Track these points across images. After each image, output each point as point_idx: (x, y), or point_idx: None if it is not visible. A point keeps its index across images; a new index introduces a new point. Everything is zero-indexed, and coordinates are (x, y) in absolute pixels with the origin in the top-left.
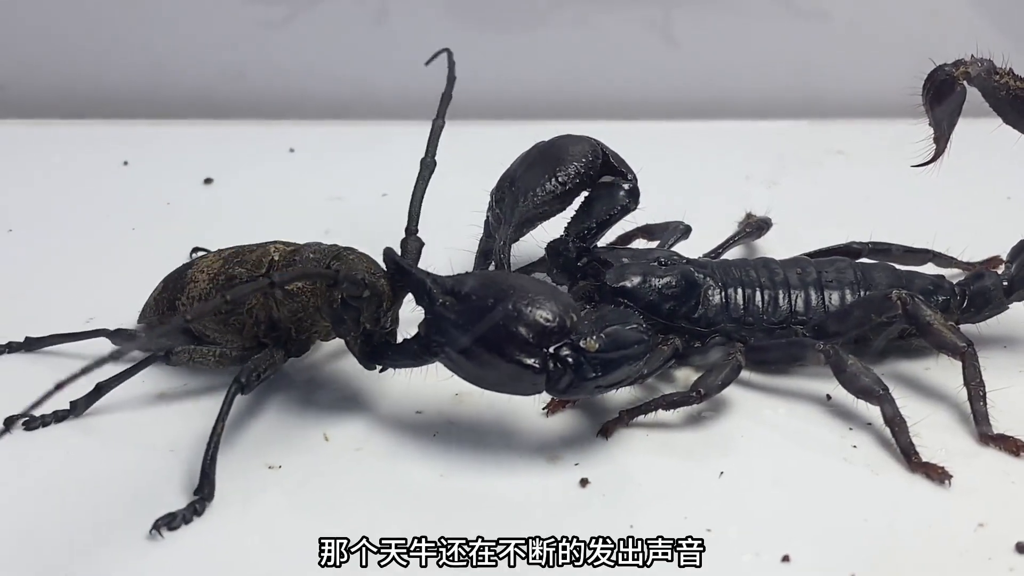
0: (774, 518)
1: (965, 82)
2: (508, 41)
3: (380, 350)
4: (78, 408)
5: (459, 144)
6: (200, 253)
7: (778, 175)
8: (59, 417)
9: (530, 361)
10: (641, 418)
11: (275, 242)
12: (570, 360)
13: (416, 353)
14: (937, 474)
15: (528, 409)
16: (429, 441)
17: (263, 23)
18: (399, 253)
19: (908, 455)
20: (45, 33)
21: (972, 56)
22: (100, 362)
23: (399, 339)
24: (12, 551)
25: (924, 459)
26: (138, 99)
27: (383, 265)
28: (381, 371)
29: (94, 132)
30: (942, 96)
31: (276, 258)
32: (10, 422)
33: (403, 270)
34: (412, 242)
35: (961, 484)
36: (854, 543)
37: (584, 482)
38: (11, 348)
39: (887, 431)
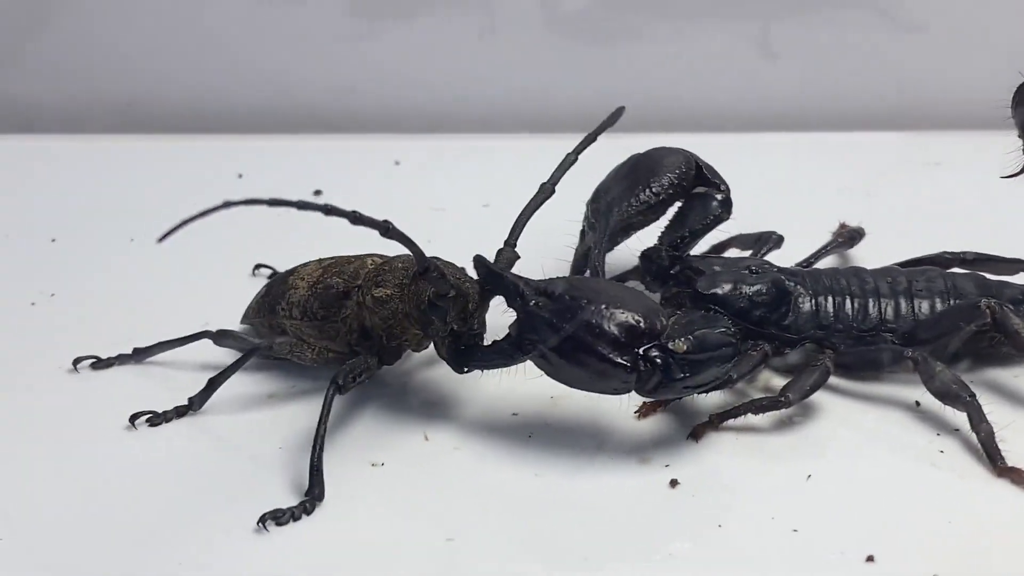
0: (860, 520)
1: None
2: (606, 55)
3: (468, 351)
4: (195, 403)
5: (556, 155)
6: (266, 270)
7: (873, 186)
8: (179, 412)
9: (621, 360)
10: (731, 422)
11: (372, 254)
12: (659, 360)
13: (507, 353)
14: (1021, 478)
15: (620, 412)
16: (525, 442)
17: (369, 39)
18: (496, 261)
19: (993, 460)
20: (167, 53)
21: None
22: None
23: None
24: (131, 537)
25: (1009, 464)
26: (253, 114)
27: (474, 273)
28: (467, 371)
29: (211, 146)
30: None
31: (371, 269)
32: (135, 418)
33: (493, 273)
34: (507, 252)
35: None
36: (938, 545)
37: (674, 483)
38: (121, 360)
39: (974, 437)
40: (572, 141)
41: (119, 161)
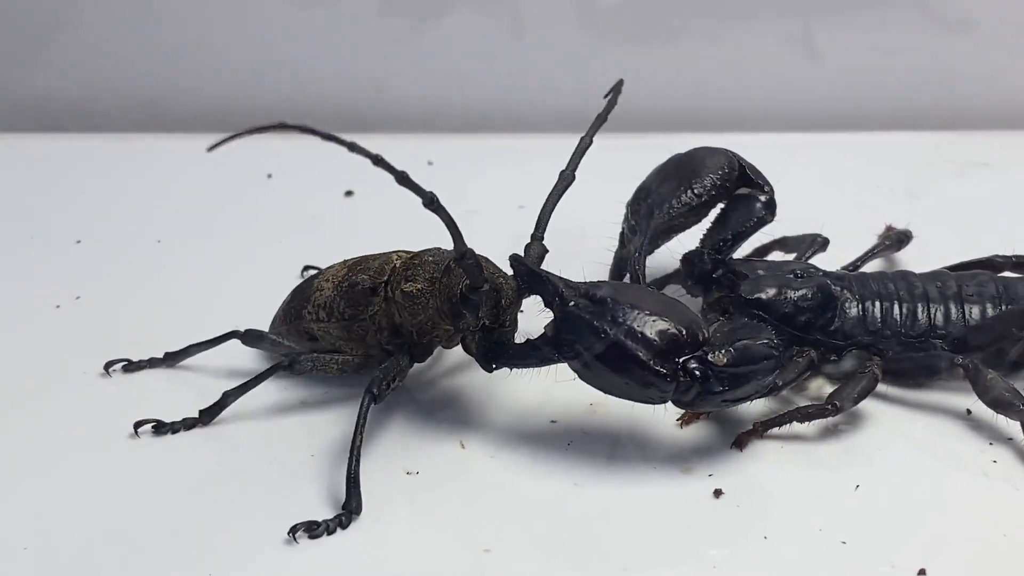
0: (911, 531)
1: None
2: (645, 54)
3: (499, 348)
4: (206, 417)
5: (593, 156)
6: (313, 271)
7: (920, 188)
8: (188, 425)
9: (661, 368)
10: (775, 430)
11: (398, 251)
12: (698, 372)
13: (540, 352)
14: None
15: (662, 420)
16: (564, 450)
17: (401, 38)
18: (526, 255)
19: None
20: (191, 49)
21: None
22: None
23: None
24: (161, 545)
25: None
26: (282, 113)
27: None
28: (496, 369)
29: (239, 145)
30: None
31: (397, 265)
32: (139, 426)
33: (532, 273)
34: (535, 246)
35: None
36: (992, 558)
37: (718, 493)
38: (152, 363)
39: None
40: (609, 140)
41: (145, 161)
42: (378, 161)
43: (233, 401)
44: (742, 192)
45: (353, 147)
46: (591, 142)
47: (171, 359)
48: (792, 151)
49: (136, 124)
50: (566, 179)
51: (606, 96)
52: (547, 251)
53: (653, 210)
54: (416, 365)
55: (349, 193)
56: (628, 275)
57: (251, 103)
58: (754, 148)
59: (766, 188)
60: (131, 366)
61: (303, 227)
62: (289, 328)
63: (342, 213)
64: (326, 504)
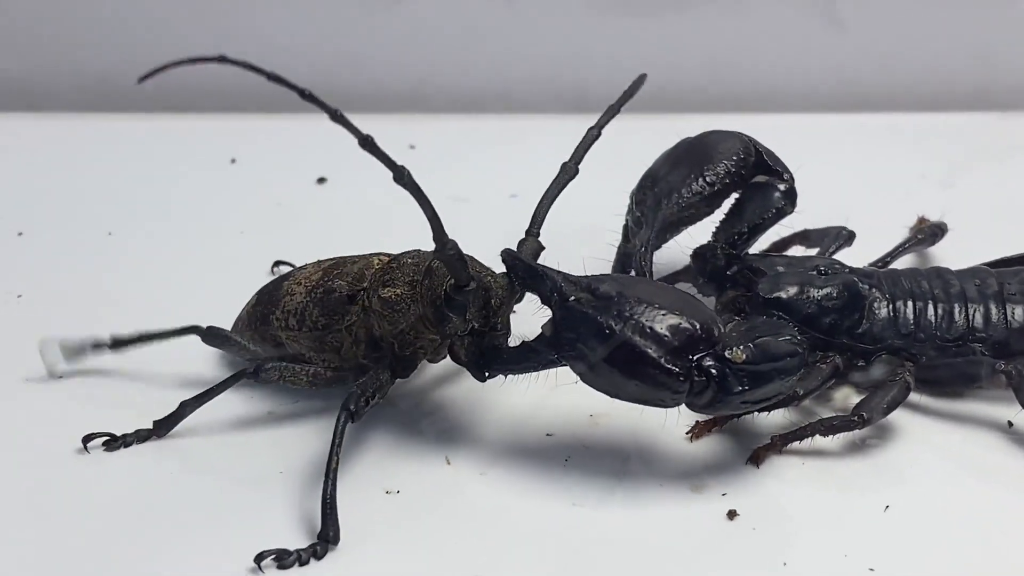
0: (946, 558)
1: None
2: (650, 25)
3: (492, 354)
4: (161, 429)
5: (610, 140)
6: (283, 268)
7: (956, 175)
8: (141, 437)
9: (672, 367)
10: (796, 444)
11: (378, 254)
12: (714, 371)
13: (538, 355)
14: None
15: (670, 433)
16: (561, 467)
17: (379, 7)
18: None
19: None
20: (145, 19)
21: None
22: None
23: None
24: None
25: None
26: (246, 91)
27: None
28: (489, 377)
29: (199, 127)
30: None
31: (378, 269)
32: (88, 440)
33: (527, 267)
34: (530, 243)
35: None
36: None
37: (732, 514)
38: (96, 346)
39: None
40: (612, 123)
41: (94, 144)
42: (337, 117)
43: (191, 411)
44: (759, 180)
45: (307, 95)
46: (599, 134)
47: (119, 345)
48: (814, 134)
49: (83, 103)
50: (568, 172)
51: (624, 94)
52: (543, 248)
53: (661, 200)
54: (400, 379)
55: (322, 180)
56: (633, 272)
57: (212, 79)
58: (771, 131)
59: (785, 176)
60: (72, 351)
61: (270, 217)
62: (254, 334)
63: (314, 202)
64: (297, 528)
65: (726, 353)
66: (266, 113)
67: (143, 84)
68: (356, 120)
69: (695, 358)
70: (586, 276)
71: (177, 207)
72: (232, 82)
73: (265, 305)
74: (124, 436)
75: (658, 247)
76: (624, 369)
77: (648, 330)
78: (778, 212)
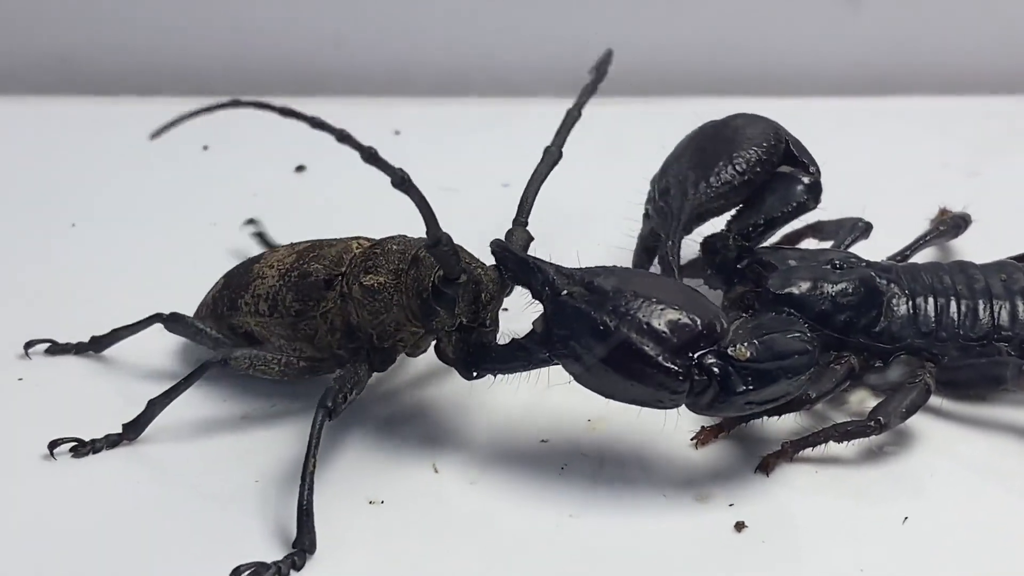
0: (967, 573)
1: None
2: (651, 4)
3: (480, 351)
4: (131, 431)
5: (590, 123)
6: (251, 227)
7: (980, 162)
8: (111, 442)
9: (672, 364)
10: (808, 451)
11: (358, 238)
12: (716, 370)
13: (529, 353)
14: None
15: (674, 439)
16: (556, 475)
17: None
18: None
19: None
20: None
21: None
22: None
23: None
24: None
25: None
26: (219, 73)
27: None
28: (478, 376)
29: (168, 111)
30: None
31: (358, 254)
32: (54, 446)
33: (518, 259)
34: (519, 233)
35: None
36: None
37: (740, 526)
38: (78, 349)
39: None
40: (610, 107)
41: (56, 129)
42: (343, 138)
43: (160, 410)
44: (783, 171)
45: (317, 123)
46: (579, 115)
47: (82, 349)
48: (828, 119)
49: (44, 85)
50: (552, 156)
51: (591, 71)
52: (532, 238)
53: (687, 189)
54: (377, 372)
55: (301, 168)
56: (660, 267)
57: (181, 61)
58: (782, 116)
59: (812, 168)
60: (55, 348)
61: (245, 208)
62: (220, 323)
63: (292, 191)
64: (274, 539)
65: (729, 350)
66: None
67: (109, 68)
68: (340, 104)
69: (696, 356)
70: (580, 269)
71: (145, 197)
72: (204, 64)
73: (233, 289)
74: (93, 441)
75: (683, 238)
76: (620, 368)
77: (645, 326)
78: (799, 207)
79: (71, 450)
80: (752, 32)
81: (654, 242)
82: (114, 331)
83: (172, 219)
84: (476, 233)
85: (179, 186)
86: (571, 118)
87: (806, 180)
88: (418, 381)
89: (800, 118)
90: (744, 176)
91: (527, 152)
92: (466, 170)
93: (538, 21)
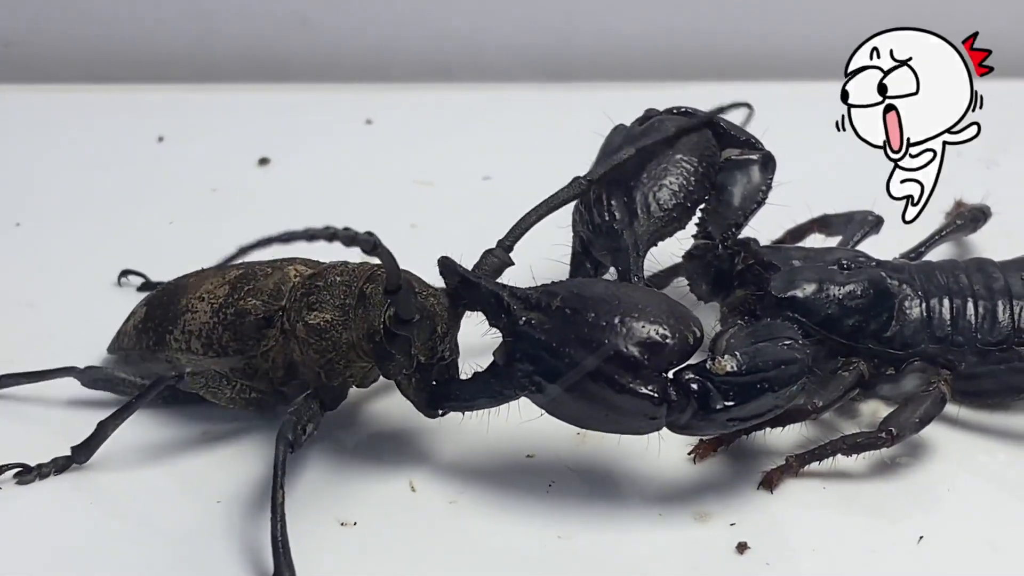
0: None
1: None
2: None
3: (442, 388)
4: (80, 455)
5: (577, 111)
6: (134, 278)
7: (999, 151)
8: (59, 467)
9: (645, 389)
10: (815, 466)
11: (292, 260)
12: (693, 387)
13: (493, 388)
14: None
15: (670, 453)
16: (543, 493)
17: None
18: (476, 267)
19: None
20: None
21: None
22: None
23: (465, 374)
24: None
25: None
26: (175, 59)
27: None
28: (440, 415)
29: (120, 100)
30: None
31: (297, 284)
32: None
33: (467, 282)
34: (497, 255)
35: None
36: None
37: (742, 547)
38: None
39: None
40: (597, 92)
41: None
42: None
43: (112, 431)
44: (732, 158)
45: (332, 236)
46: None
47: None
48: (830, 105)
49: None
50: (577, 188)
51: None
52: (511, 264)
53: (636, 213)
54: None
55: (264, 161)
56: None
57: (135, 45)
58: (778, 100)
59: (756, 143)
60: None
61: (204, 205)
62: (144, 354)
63: (255, 186)
64: (239, 565)
65: (708, 364)
66: (199, 84)
67: (56, 53)
68: (307, 91)
69: (671, 374)
70: (535, 288)
71: (96, 193)
72: (160, 50)
73: (159, 322)
74: (39, 466)
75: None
76: (589, 398)
77: (612, 352)
78: (767, 190)
79: (15, 476)
80: (743, 15)
81: (592, 257)
82: (9, 376)
83: (125, 216)
84: (454, 230)
85: (133, 181)
86: (615, 160)
87: (756, 157)
88: (391, 391)
89: (798, 104)
90: (694, 195)
91: (508, 142)
92: (443, 162)
93: (515, 5)
